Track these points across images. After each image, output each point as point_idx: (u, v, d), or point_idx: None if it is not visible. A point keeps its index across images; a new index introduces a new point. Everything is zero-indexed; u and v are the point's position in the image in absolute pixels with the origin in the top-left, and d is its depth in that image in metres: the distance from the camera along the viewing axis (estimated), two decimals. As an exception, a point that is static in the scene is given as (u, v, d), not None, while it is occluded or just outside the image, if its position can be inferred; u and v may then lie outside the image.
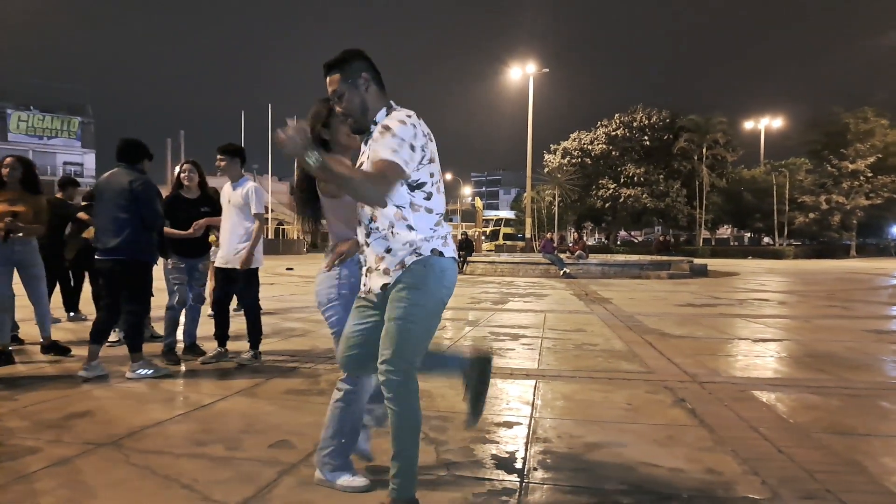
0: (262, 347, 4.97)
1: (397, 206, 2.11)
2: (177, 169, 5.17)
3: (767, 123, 57.16)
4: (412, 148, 2.04)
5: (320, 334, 6.24)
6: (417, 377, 2.14)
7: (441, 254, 2.13)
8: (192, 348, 5.03)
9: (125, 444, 2.88)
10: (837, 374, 4.68)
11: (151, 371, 4.31)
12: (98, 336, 4.30)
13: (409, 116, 2.10)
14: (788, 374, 4.80)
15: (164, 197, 5.00)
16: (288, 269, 18.96)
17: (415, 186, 2.11)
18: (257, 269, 4.87)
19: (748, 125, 57.34)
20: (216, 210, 5.15)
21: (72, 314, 7.00)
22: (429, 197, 2.14)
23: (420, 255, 2.10)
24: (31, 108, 54.54)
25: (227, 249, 4.77)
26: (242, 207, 4.74)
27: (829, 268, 26.23)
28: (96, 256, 4.36)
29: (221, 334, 4.94)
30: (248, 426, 3.19)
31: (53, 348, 4.93)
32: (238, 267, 4.70)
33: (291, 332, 6.51)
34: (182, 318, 5.06)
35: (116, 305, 4.35)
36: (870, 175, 45.71)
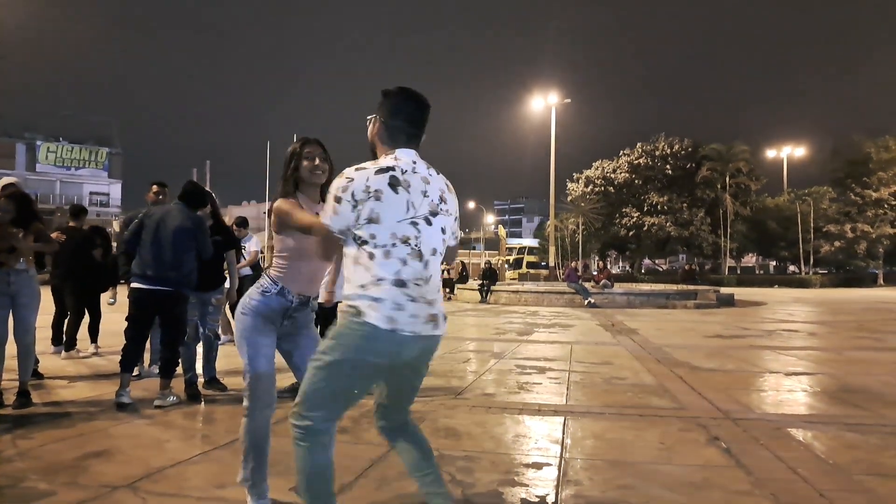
0: (283, 382, 4.94)
1: (350, 250, 2.02)
2: None
3: (790, 152, 56.66)
4: (337, 201, 1.95)
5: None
6: (318, 434, 2.08)
7: (359, 313, 1.93)
8: (212, 383, 5.01)
9: (141, 487, 2.82)
10: (874, 409, 4.51)
11: (177, 399, 4.50)
12: (130, 365, 4.45)
13: (355, 169, 1.99)
14: (824, 410, 4.63)
15: None
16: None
17: (359, 242, 1.97)
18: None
19: (770, 154, 56.91)
20: (229, 240, 5.19)
21: (63, 347, 6.66)
22: (371, 257, 1.95)
23: (349, 304, 1.98)
24: (60, 139, 56.02)
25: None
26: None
27: (856, 297, 25.62)
28: (141, 286, 4.46)
29: None
30: (270, 467, 3.13)
31: (22, 396, 4.39)
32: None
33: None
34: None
35: (146, 335, 4.56)
36: (894, 203, 44.98)
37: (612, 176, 50.59)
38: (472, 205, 72.72)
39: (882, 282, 46.70)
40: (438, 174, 2.12)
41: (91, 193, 55.98)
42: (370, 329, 1.92)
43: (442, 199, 2.07)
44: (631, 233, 49.18)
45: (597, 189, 50.53)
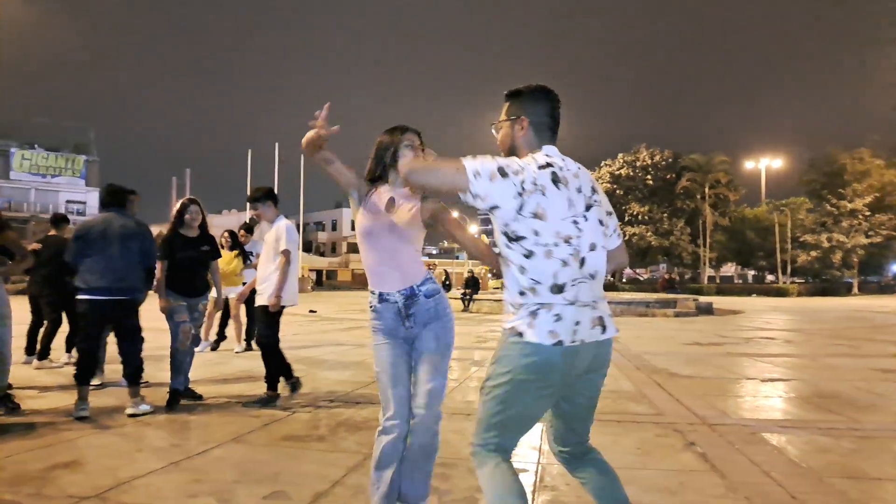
0: (259, 391, 4.90)
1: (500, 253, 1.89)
2: (175, 206, 5.17)
3: (768, 164, 57.69)
4: (502, 174, 1.79)
5: (321, 377, 6.15)
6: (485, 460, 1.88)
7: (518, 333, 1.81)
8: (188, 392, 4.94)
9: (110, 498, 2.76)
10: (847, 414, 4.58)
11: (150, 407, 4.42)
12: (87, 378, 4.33)
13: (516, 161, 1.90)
14: (798, 416, 4.69)
15: (163, 234, 5.04)
16: (311, 311, 17.21)
17: (514, 238, 1.83)
18: (283, 307, 4.83)
19: (749, 165, 57.87)
20: (216, 249, 5.17)
21: (35, 357, 6.57)
22: (528, 256, 1.82)
23: (507, 325, 1.85)
24: (36, 146, 55.13)
25: (259, 288, 4.84)
26: (273, 245, 4.79)
27: (832, 306, 26.04)
28: (87, 297, 4.35)
29: (272, 376, 4.87)
30: (243, 476, 3.09)
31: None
32: (267, 304, 4.68)
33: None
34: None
35: (100, 345, 4.39)
36: (868, 214, 46.00)
37: (594, 186, 51.02)
38: (455, 214, 72.74)
39: (857, 291, 47.65)
40: (583, 169, 1.98)
41: (67, 202, 55.05)
42: (533, 348, 1.79)
43: (594, 191, 1.95)
44: (612, 242, 49.55)
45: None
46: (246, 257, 8.04)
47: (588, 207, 1.89)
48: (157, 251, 4.81)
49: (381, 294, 2.40)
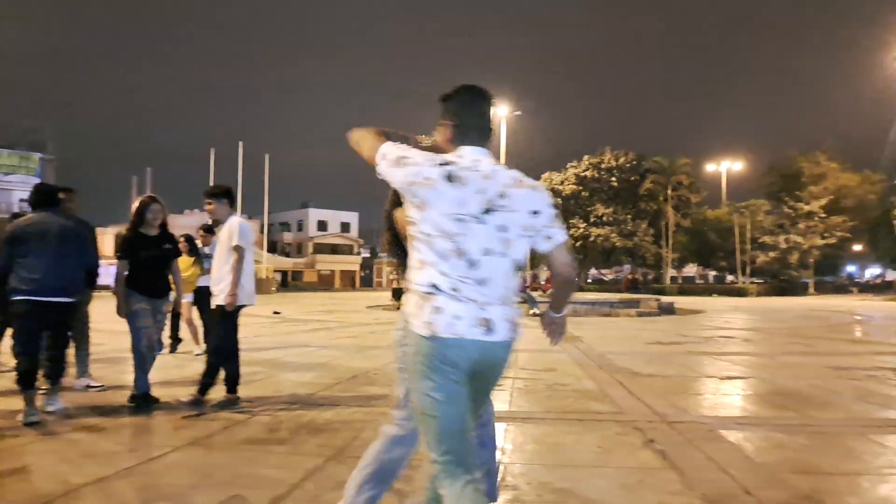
0: (216, 393, 4.79)
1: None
2: (134, 204, 5.03)
3: (729, 166, 59.11)
4: (402, 159, 1.92)
5: (282, 379, 6.07)
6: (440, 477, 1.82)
7: (405, 323, 1.92)
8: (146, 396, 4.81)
9: (61, 505, 2.67)
10: (802, 411, 4.70)
11: (64, 407, 4.42)
12: (31, 381, 4.17)
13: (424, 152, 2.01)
14: (755, 413, 4.80)
15: (122, 234, 4.91)
16: (275, 312, 16.88)
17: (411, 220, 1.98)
18: (240, 306, 4.73)
19: (710, 167, 59.20)
20: (177, 248, 5.07)
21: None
22: (417, 240, 1.93)
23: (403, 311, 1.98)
24: (-12, 143, 53.24)
25: (214, 288, 4.74)
26: (226, 244, 4.69)
27: (789, 305, 26.82)
28: (24, 298, 4.20)
29: (226, 381, 4.76)
30: (199, 480, 3.02)
31: None
32: (223, 304, 4.58)
33: (253, 376, 6.30)
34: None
35: (39, 347, 4.30)
36: (823, 216, 47.56)
37: (560, 188, 51.55)
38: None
39: (813, 290, 49.18)
40: (509, 171, 1.95)
41: (21, 201, 53.20)
42: (414, 338, 1.83)
43: (503, 196, 1.88)
44: (578, 243, 50.17)
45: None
46: (202, 264, 7.79)
47: (487, 211, 1.87)
48: (116, 251, 4.69)
49: None
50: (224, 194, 4.87)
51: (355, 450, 3.54)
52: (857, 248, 53.50)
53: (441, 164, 1.88)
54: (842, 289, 53.13)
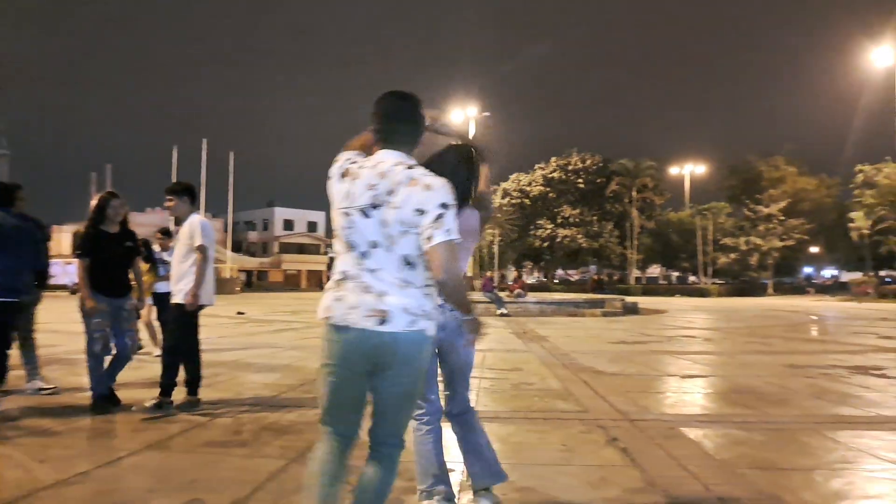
0: (178, 395, 4.68)
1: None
2: (93, 200, 4.88)
3: (691, 169, 60.35)
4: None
5: (245, 380, 5.97)
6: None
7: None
8: (111, 398, 4.67)
9: (12, 510, 2.58)
10: (760, 408, 4.82)
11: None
12: None
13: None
14: (715, 410, 4.91)
15: (82, 231, 4.78)
16: (239, 313, 16.52)
17: None
18: (200, 307, 4.63)
19: (674, 171, 60.38)
20: (138, 246, 4.94)
21: None
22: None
23: None
24: (-63, 138, 51.22)
25: (174, 286, 4.63)
26: (186, 242, 4.58)
27: (749, 305, 27.54)
28: None
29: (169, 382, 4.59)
30: (157, 484, 2.95)
31: None
32: (183, 303, 4.48)
33: (215, 377, 6.18)
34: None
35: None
36: (782, 218, 49.02)
37: (528, 189, 52.05)
38: (390, 215, 72.51)
39: (772, 291, 50.58)
40: (409, 170, 1.96)
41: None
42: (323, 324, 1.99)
43: (390, 192, 1.93)
44: (545, 244, 50.71)
45: (513, 201, 51.81)
46: (157, 271, 7.57)
47: (374, 206, 1.94)
48: (76, 248, 4.57)
49: None
50: (185, 191, 4.77)
51: (319, 451, 3.51)
52: (814, 249, 55.21)
53: (342, 162, 2.06)
54: (799, 289, 54.72)
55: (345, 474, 1.99)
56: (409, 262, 1.94)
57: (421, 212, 1.91)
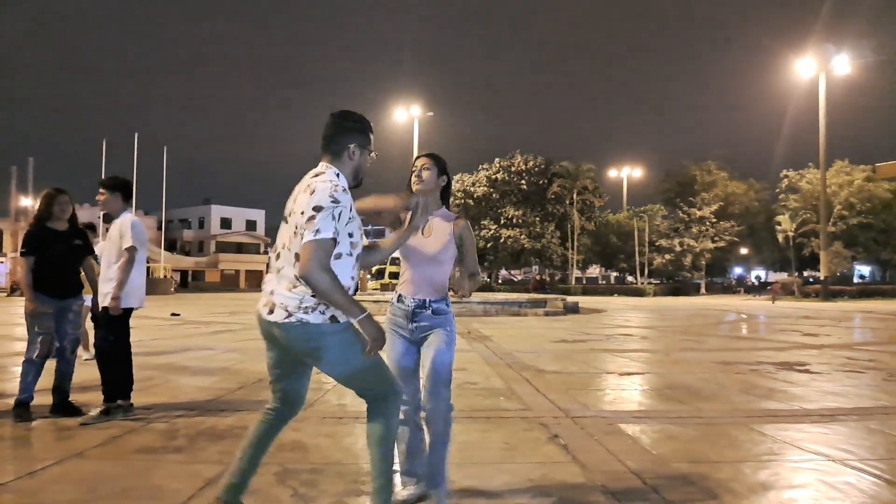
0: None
1: None
2: (34, 199, 4.64)
3: (629, 172, 62.22)
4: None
5: (181, 384, 5.77)
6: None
7: None
8: (66, 406, 4.41)
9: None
10: (692, 404, 5.00)
11: None
12: None
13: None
14: (651, 406, 5.06)
15: (28, 229, 4.53)
16: (174, 314, 16.18)
17: None
18: (130, 309, 4.42)
19: (612, 174, 62.09)
20: (88, 244, 4.69)
21: None
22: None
23: None
24: None
25: (102, 289, 4.40)
26: (117, 243, 4.36)
27: (683, 304, 28.62)
28: None
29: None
30: (85, 494, 2.80)
31: None
32: (108, 306, 4.27)
33: (148, 381, 5.95)
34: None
35: None
36: (714, 221, 51.21)
37: (472, 189, 52.38)
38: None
39: (704, 291, 52.76)
40: (315, 178, 2.26)
41: None
42: None
43: (294, 200, 2.25)
44: (489, 244, 51.17)
45: (457, 202, 51.97)
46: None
47: (290, 213, 2.27)
48: (22, 246, 4.30)
49: (399, 295, 2.78)
50: (120, 187, 4.54)
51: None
52: (744, 251, 57.91)
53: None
54: (730, 289, 57.28)
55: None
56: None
57: (303, 213, 2.18)
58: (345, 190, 2.24)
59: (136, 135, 38.90)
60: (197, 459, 3.37)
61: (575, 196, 51.17)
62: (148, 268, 47.10)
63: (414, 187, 2.75)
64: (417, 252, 2.73)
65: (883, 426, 4.24)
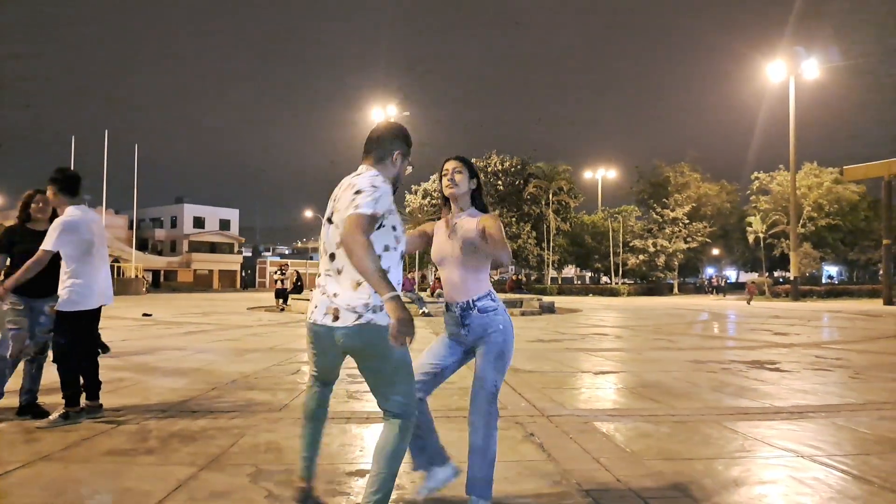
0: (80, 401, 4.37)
1: None
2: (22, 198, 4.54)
3: (604, 174, 62.87)
4: None
5: (152, 385, 5.67)
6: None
7: None
8: (33, 408, 4.29)
9: None
10: (666, 402, 5.06)
11: None
12: None
13: None
14: (625, 405, 5.12)
15: (5, 228, 4.44)
16: (145, 314, 15.93)
17: None
18: (71, 311, 4.26)
19: (587, 175, 62.69)
20: None
21: None
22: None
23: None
24: None
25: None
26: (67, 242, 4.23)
27: (656, 304, 29.00)
28: None
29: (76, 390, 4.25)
30: (53, 498, 2.73)
31: None
32: (63, 310, 4.15)
33: (119, 382, 5.84)
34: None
35: None
36: (687, 222, 51.98)
37: (447, 189, 52.44)
38: (310, 214, 71.31)
39: (677, 291, 53.53)
40: (357, 176, 2.32)
41: None
42: None
43: (336, 199, 2.31)
44: (466, 245, 51.27)
45: (434, 202, 51.98)
46: None
47: (332, 213, 2.32)
48: None
49: (446, 304, 2.82)
50: (64, 180, 4.28)
51: (233, 457, 3.38)
52: (716, 252, 58.92)
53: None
54: (702, 289, 58.16)
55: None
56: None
57: (341, 207, 2.25)
58: (385, 183, 2.28)
59: (106, 131, 38.18)
60: (169, 461, 3.31)
61: (551, 196, 51.55)
62: (119, 267, 46.42)
63: (446, 191, 2.74)
64: (446, 258, 2.74)
65: (849, 423, 4.35)
